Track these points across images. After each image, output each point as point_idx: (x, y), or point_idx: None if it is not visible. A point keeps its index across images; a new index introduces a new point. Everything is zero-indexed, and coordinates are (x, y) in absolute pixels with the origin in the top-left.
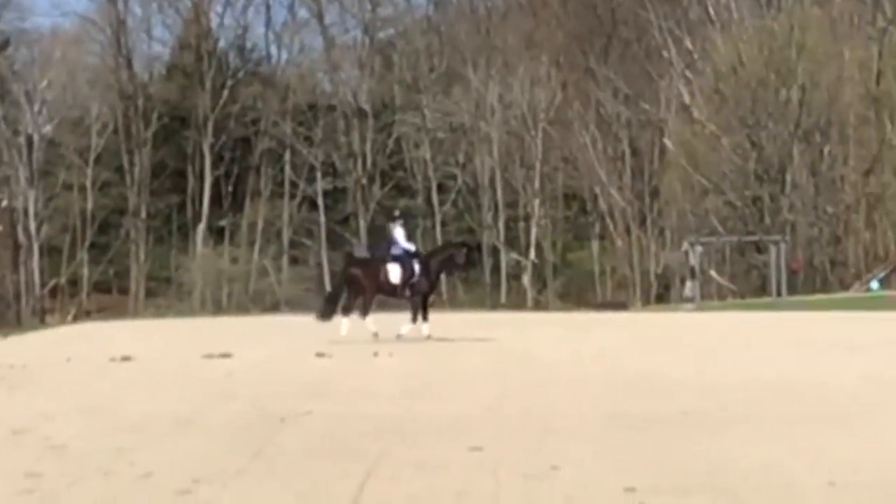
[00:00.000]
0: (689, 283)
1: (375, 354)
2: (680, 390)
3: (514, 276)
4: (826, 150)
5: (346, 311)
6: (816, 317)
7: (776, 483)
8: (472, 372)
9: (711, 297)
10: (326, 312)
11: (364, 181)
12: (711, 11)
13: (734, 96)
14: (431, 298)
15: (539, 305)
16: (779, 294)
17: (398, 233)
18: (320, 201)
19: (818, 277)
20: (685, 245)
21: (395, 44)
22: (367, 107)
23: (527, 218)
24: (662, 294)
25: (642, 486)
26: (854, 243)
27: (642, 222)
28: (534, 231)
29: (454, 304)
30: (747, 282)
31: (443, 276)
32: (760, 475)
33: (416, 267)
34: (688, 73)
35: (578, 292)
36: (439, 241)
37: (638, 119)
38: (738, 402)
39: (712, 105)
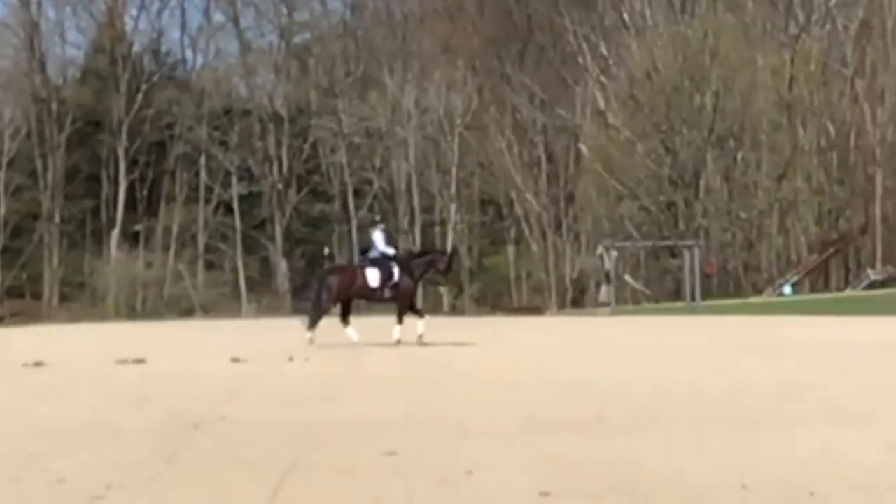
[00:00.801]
0: (604, 288)
1: (291, 359)
2: (595, 394)
3: (430, 280)
4: (739, 155)
5: (345, 318)
6: (730, 321)
7: (689, 486)
8: (387, 377)
9: (626, 301)
10: (313, 321)
11: (280, 186)
12: (626, 17)
13: (649, 102)
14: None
15: (455, 310)
16: (693, 298)
17: (377, 237)
18: (236, 206)
19: (731, 282)
20: (600, 250)
21: (312, 48)
22: (283, 111)
23: (443, 223)
24: (578, 298)
25: (557, 490)
26: (767, 248)
27: (558, 227)
28: (450, 236)
29: (370, 309)
30: (662, 286)
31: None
32: (673, 479)
33: (395, 269)
34: (603, 79)
35: (495, 297)
36: (355, 246)
37: (553, 124)
38: (652, 406)
39: (627, 111)
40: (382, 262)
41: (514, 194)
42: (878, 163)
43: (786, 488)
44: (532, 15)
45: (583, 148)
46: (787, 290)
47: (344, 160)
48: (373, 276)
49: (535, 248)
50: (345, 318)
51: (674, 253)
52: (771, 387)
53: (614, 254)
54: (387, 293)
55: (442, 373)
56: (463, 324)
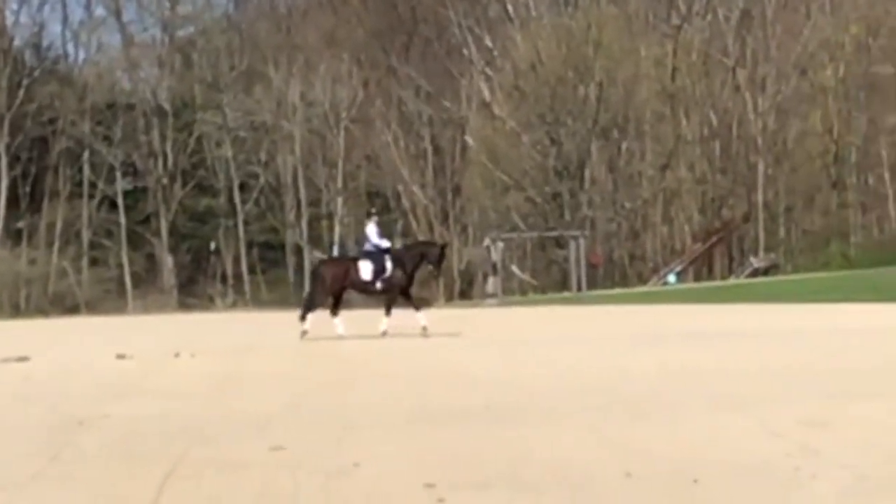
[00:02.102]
0: (491, 279)
1: (177, 355)
2: (482, 385)
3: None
4: (623, 146)
5: (334, 310)
6: (616, 310)
7: (575, 475)
8: (274, 370)
9: (513, 292)
10: (304, 314)
11: (165, 181)
12: (510, 9)
13: (534, 93)
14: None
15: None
16: (579, 288)
17: (370, 230)
18: (120, 201)
19: (617, 272)
20: (487, 241)
21: (195, 42)
22: (167, 106)
23: (330, 216)
24: (465, 290)
25: (442, 481)
26: (651, 238)
27: (445, 219)
28: (337, 229)
29: (258, 303)
30: (548, 277)
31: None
32: (559, 468)
33: (388, 262)
34: (488, 71)
35: None
36: (241, 239)
37: (439, 117)
38: (538, 396)
39: (512, 102)
40: (376, 255)
41: (400, 187)
42: (760, 152)
43: (670, 475)
44: (417, 7)
45: (469, 140)
46: (671, 278)
47: (229, 154)
48: (366, 269)
49: (422, 239)
50: (335, 309)
51: (560, 243)
52: (656, 374)
53: (501, 245)
54: (378, 286)
55: (330, 367)
56: (351, 317)
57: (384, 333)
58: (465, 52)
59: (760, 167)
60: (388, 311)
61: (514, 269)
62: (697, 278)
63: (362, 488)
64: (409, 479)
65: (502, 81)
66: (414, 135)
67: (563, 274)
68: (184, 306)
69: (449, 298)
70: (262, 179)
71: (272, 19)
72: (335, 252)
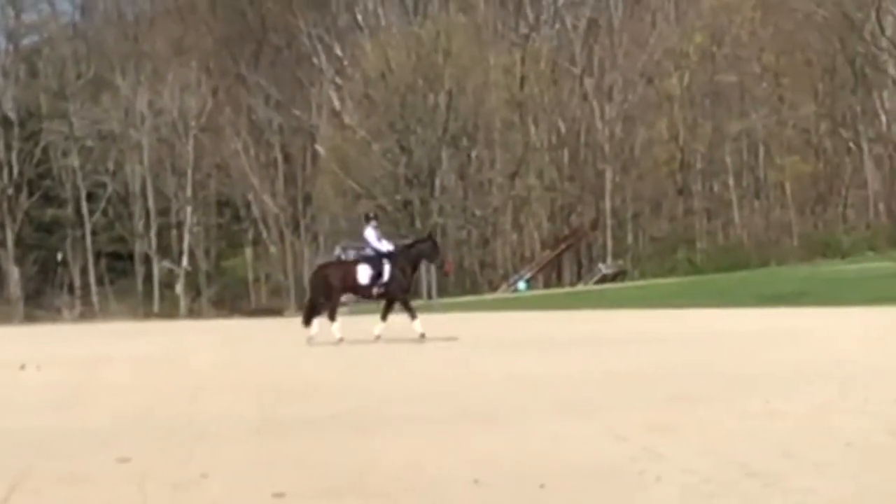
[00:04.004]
0: None
1: (22, 367)
2: (331, 393)
3: (167, 284)
4: (473, 154)
5: (331, 315)
6: (466, 317)
7: (424, 482)
8: (121, 382)
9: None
10: (306, 318)
11: (11, 191)
12: (360, 18)
13: (384, 102)
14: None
15: (193, 313)
16: (430, 296)
17: (368, 233)
18: None
19: (468, 279)
20: (337, 250)
21: (41, 50)
22: (12, 115)
23: (179, 225)
24: None
25: (291, 490)
26: (502, 245)
27: (296, 228)
28: (186, 239)
29: (106, 314)
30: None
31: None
32: (409, 475)
33: (387, 267)
34: (338, 80)
35: (233, 299)
36: (89, 250)
37: (289, 125)
38: (387, 403)
39: (362, 111)
40: (374, 260)
41: (251, 196)
42: (608, 159)
43: (517, 481)
44: (266, 15)
45: (319, 148)
46: (521, 285)
47: (76, 164)
48: (363, 273)
49: (273, 249)
50: (332, 314)
51: None
52: (505, 381)
53: (352, 253)
54: (375, 291)
55: (177, 376)
56: (200, 327)
57: (378, 338)
58: (314, 60)
59: (608, 174)
60: (384, 317)
61: None
62: (547, 285)
63: (210, 499)
64: (258, 488)
65: (352, 90)
66: (264, 143)
67: (415, 281)
68: (30, 318)
69: (300, 307)
70: (109, 189)
71: (119, 27)
72: (336, 254)
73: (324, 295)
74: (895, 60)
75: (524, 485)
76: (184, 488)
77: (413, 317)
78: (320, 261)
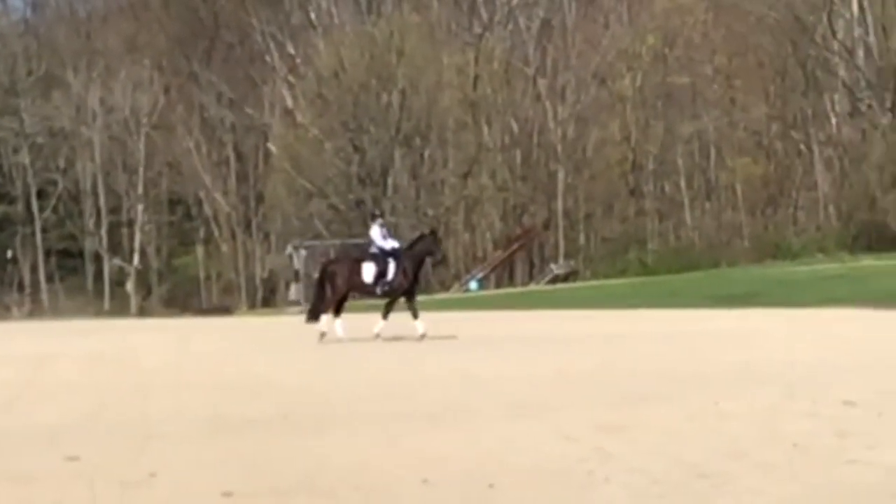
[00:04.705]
0: (293, 287)
1: None
2: (281, 393)
3: (118, 282)
4: (426, 153)
5: (336, 311)
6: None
7: (372, 482)
8: (70, 380)
9: None
10: (312, 315)
11: None
12: (313, 17)
13: (337, 101)
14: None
15: (143, 312)
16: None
17: (374, 232)
18: None
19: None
20: (289, 249)
21: None
22: None
23: (130, 223)
24: (269, 298)
25: (240, 490)
26: (454, 245)
27: (247, 227)
28: (137, 237)
29: (56, 312)
30: None
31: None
32: (356, 474)
33: (392, 265)
34: (291, 78)
35: (184, 298)
36: (39, 247)
37: (242, 123)
38: (337, 403)
39: (315, 109)
40: (379, 258)
41: (202, 194)
42: (560, 160)
43: (466, 481)
44: (219, 13)
45: (271, 147)
46: (473, 285)
47: (27, 161)
48: (368, 272)
49: (224, 247)
50: (337, 311)
51: (363, 251)
52: (455, 381)
53: (304, 253)
54: (379, 290)
55: (128, 375)
56: (151, 326)
57: (377, 336)
58: (267, 58)
59: (560, 175)
60: (385, 315)
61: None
62: (499, 285)
63: (159, 498)
64: (207, 488)
65: (305, 89)
66: (216, 141)
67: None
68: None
69: (251, 306)
70: (60, 186)
71: (71, 24)
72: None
73: (330, 291)
74: (846, 63)
75: (473, 485)
76: (133, 487)
77: (415, 316)
78: (273, 259)
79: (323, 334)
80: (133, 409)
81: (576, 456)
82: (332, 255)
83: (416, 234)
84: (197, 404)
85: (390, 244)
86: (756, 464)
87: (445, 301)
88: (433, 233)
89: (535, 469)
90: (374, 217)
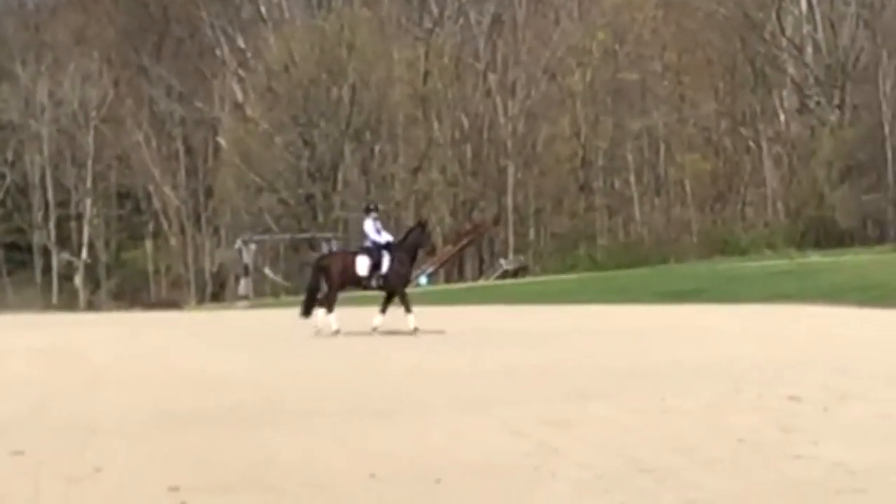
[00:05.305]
0: (242, 281)
1: None
2: (229, 388)
3: (67, 276)
4: (376, 148)
5: (329, 306)
6: (367, 312)
7: (319, 477)
8: (16, 374)
9: (265, 294)
10: (306, 309)
11: None
12: (263, 10)
13: (287, 95)
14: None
15: (92, 306)
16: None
17: (367, 226)
18: None
19: None
20: (238, 243)
21: None
22: None
23: (79, 217)
24: (218, 292)
25: (186, 484)
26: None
27: (197, 220)
28: (86, 230)
29: (4, 306)
30: (301, 278)
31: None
32: (304, 470)
33: (385, 259)
34: (241, 72)
35: (133, 292)
36: None
37: (192, 117)
38: (286, 399)
39: (265, 104)
40: (373, 252)
41: (151, 188)
42: (510, 155)
43: (413, 476)
44: (168, 6)
45: (221, 141)
46: (422, 280)
47: None
48: (362, 265)
49: (173, 241)
50: (331, 305)
51: (312, 245)
52: (403, 376)
53: (253, 247)
54: (373, 283)
55: (75, 369)
56: (99, 320)
57: (375, 329)
58: (217, 52)
59: (510, 170)
60: (383, 309)
61: (267, 270)
62: (448, 280)
63: (104, 492)
64: (153, 482)
65: (255, 83)
66: (165, 135)
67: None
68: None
69: (200, 300)
70: (8, 179)
71: (20, 16)
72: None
73: (328, 285)
74: (795, 60)
75: (420, 480)
76: (78, 482)
77: (408, 310)
78: (222, 254)
79: (318, 330)
80: (80, 404)
81: (523, 451)
82: (282, 249)
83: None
84: (144, 399)
85: (384, 238)
86: (700, 459)
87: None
88: (422, 225)
89: (482, 464)
90: (367, 211)
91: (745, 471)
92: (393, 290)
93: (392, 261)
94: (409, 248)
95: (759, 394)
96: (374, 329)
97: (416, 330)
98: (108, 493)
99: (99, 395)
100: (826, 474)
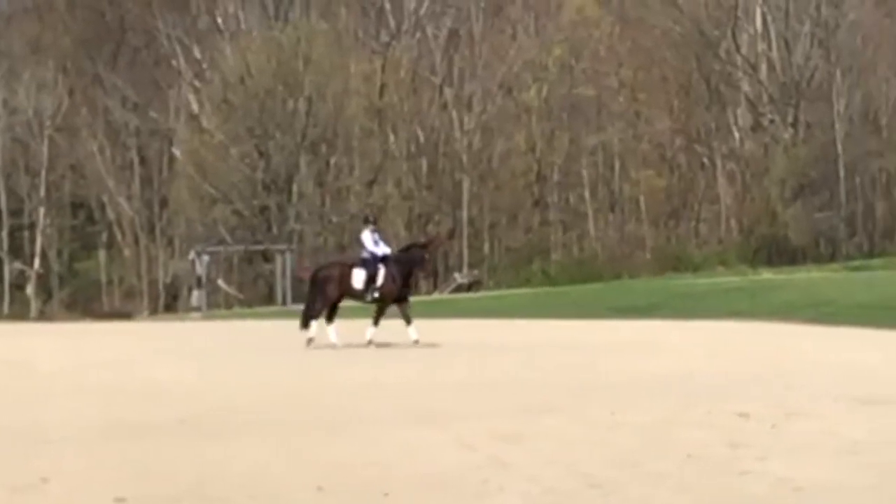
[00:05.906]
0: (196, 293)
1: None
2: (179, 399)
3: (18, 286)
4: (332, 160)
5: (329, 317)
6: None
7: (267, 489)
8: None
9: (219, 305)
10: (304, 321)
11: None
12: (220, 21)
13: (243, 106)
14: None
15: (44, 316)
16: (284, 303)
17: (365, 237)
18: None
19: None
20: (192, 254)
21: None
22: None
23: (32, 226)
24: (171, 303)
25: (133, 496)
26: (359, 252)
27: (151, 231)
28: (39, 240)
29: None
30: (255, 290)
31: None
32: (252, 482)
33: (381, 272)
34: (196, 83)
35: (86, 302)
36: None
37: (147, 128)
38: (236, 410)
39: (221, 114)
40: (370, 263)
41: (105, 198)
42: (466, 169)
43: (361, 489)
44: (125, 16)
45: (176, 152)
46: (376, 293)
47: None
48: (358, 277)
49: (127, 252)
50: (330, 317)
51: (267, 257)
52: (354, 389)
53: (207, 258)
54: (368, 297)
55: (24, 379)
56: (50, 330)
57: (370, 343)
58: (173, 63)
59: (465, 184)
60: (375, 322)
61: (220, 282)
62: None
63: (50, 503)
64: (99, 493)
65: (211, 94)
66: (120, 145)
67: (270, 287)
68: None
69: (153, 311)
70: None
71: None
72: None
73: (320, 298)
74: (749, 78)
75: (368, 493)
76: (23, 492)
77: (408, 322)
78: (176, 265)
79: (310, 340)
80: (27, 414)
81: (472, 464)
82: (236, 261)
83: (422, 239)
84: (92, 409)
85: (382, 249)
86: (648, 473)
87: (348, 309)
88: (425, 246)
89: (431, 477)
90: (366, 222)
91: (693, 486)
92: (387, 303)
93: (388, 273)
94: (406, 265)
95: (708, 409)
96: (369, 342)
97: (416, 342)
98: (54, 503)
99: (47, 405)
100: (773, 490)
